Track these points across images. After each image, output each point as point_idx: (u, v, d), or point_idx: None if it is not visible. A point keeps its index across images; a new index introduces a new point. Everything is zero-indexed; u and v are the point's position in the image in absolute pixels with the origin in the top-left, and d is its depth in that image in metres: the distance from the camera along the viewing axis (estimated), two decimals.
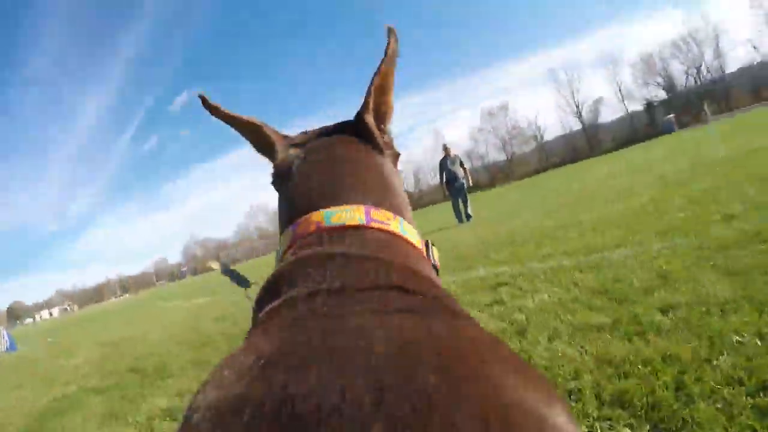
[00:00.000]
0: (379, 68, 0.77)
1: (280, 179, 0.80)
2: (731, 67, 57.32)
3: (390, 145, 0.84)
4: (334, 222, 0.62)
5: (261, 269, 20.28)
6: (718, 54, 56.33)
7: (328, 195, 0.68)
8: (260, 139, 0.87)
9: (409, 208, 0.77)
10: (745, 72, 56.88)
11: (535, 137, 73.49)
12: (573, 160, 59.16)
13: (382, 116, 0.83)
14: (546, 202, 12.67)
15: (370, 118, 0.80)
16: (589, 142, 66.72)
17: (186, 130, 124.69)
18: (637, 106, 64.58)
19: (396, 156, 0.85)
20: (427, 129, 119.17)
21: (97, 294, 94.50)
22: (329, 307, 0.47)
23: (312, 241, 0.61)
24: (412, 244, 0.65)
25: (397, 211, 0.69)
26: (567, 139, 70.62)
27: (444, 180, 12.78)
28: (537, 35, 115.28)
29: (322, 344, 0.39)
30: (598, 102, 68.20)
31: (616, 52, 69.30)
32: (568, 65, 69.48)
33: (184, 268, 75.85)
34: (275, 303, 0.52)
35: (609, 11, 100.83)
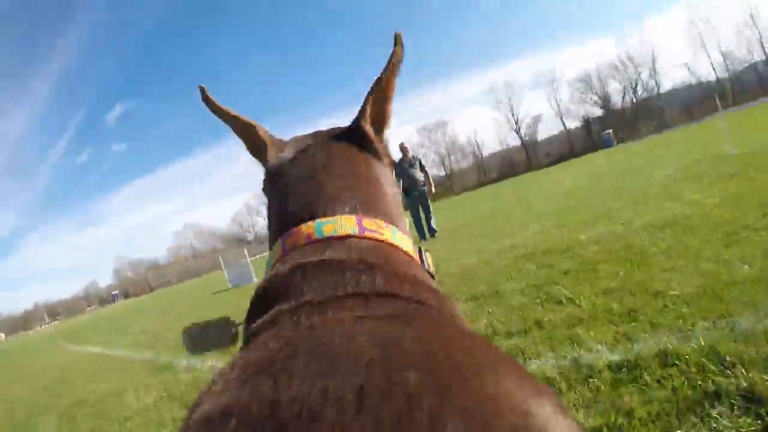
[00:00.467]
0: (381, 76, 0.76)
1: (271, 183, 0.78)
2: (666, 87, 59.17)
3: (386, 152, 0.82)
4: (325, 233, 0.61)
5: (197, 293, 18.55)
6: (654, 73, 58.12)
7: (320, 204, 0.66)
8: (253, 140, 0.85)
9: (404, 217, 0.75)
10: (677, 93, 58.58)
11: (474, 153, 73.01)
12: (511, 175, 58.76)
13: (379, 124, 0.81)
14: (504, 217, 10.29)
15: (368, 127, 0.78)
16: (527, 157, 66.70)
17: (119, 144, 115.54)
18: (575, 123, 65.38)
19: (391, 163, 0.83)
20: None
21: (24, 321, 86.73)
22: (316, 317, 0.47)
23: (302, 254, 0.59)
24: (404, 252, 0.64)
25: (390, 219, 0.68)
26: (505, 154, 70.55)
27: (401, 187, 10.20)
28: (471, 56, 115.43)
29: (306, 353, 0.39)
30: (536, 119, 68.96)
31: (553, 72, 69.81)
32: (506, 84, 69.17)
33: (115, 292, 70.02)
34: (263, 318, 0.51)
35: (546, 33, 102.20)
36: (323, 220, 0.63)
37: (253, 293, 0.60)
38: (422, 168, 10.48)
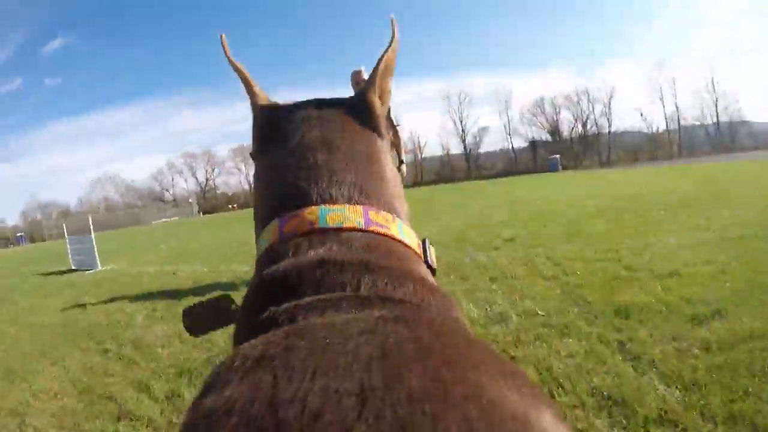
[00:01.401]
0: (386, 51, 0.76)
1: (264, 148, 0.75)
2: (615, 127, 59.80)
3: (388, 131, 0.79)
4: (330, 223, 0.58)
5: (42, 267, 14.93)
6: (608, 112, 58.67)
7: (324, 186, 0.63)
8: (250, 97, 0.83)
9: (404, 198, 0.73)
10: (625, 135, 59.61)
11: (414, 150, 71.42)
12: (450, 180, 57.53)
13: (381, 100, 0.78)
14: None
15: (375, 98, 0.76)
16: (468, 166, 65.88)
17: (54, 78, 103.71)
18: (520, 143, 65.22)
19: (393, 143, 0.80)
20: None
21: None
22: (321, 318, 0.46)
23: (303, 245, 0.56)
24: (409, 247, 0.62)
25: (395, 209, 0.66)
26: (445, 159, 69.47)
27: None
28: (430, 61, 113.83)
29: (310, 352, 0.39)
30: (483, 130, 68.19)
31: (509, 92, 69.76)
32: (461, 92, 68.23)
33: (20, 234, 64.01)
34: (276, 311, 0.49)
35: (505, 55, 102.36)
36: (329, 207, 0.60)
37: (255, 277, 0.58)
38: (393, 124, 6.92)
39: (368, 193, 0.63)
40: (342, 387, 0.33)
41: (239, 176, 74.32)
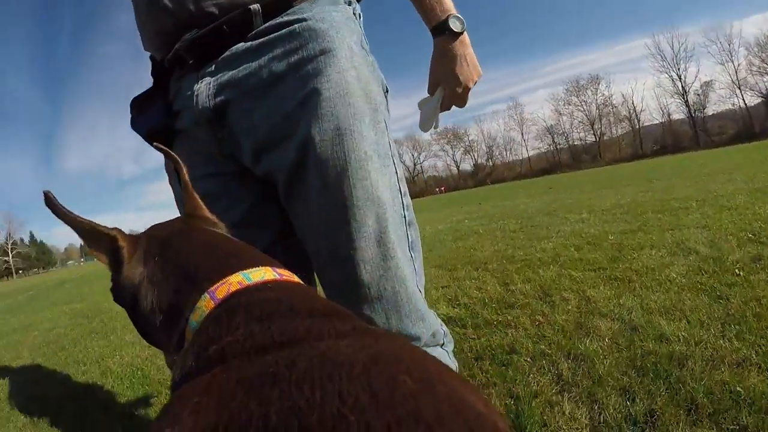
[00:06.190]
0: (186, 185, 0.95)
1: (153, 270, 0.75)
2: None
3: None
4: (254, 279, 0.63)
5: None
6: None
7: (230, 263, 0.68)
8: (106, 246, 0.81)
9: None
10: None
11: (630, 118, 65.52)
12: (674, 150, 51.61)
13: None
14: None
15: (207, 213, 0.93)
16: (695, 132, 58.24)
17: None
18: (753, 99, 55.49)
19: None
20: (505, 105, 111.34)
21: None
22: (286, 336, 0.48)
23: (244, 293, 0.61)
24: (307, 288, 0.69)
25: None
26: (667, 126, 62.40)
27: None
28: (635, 18, 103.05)
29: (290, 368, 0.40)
30: (707, 86, 59.27)
31: (730, 37, 58.26)
32: (676, 43, 60.12)
33: None
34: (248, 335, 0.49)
35: None
36: (246, 271, 0.64)
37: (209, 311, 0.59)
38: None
39: (256, 259, 0.71)
40: (345, 394, 0.35)
41: (445, 158, 75.81)
